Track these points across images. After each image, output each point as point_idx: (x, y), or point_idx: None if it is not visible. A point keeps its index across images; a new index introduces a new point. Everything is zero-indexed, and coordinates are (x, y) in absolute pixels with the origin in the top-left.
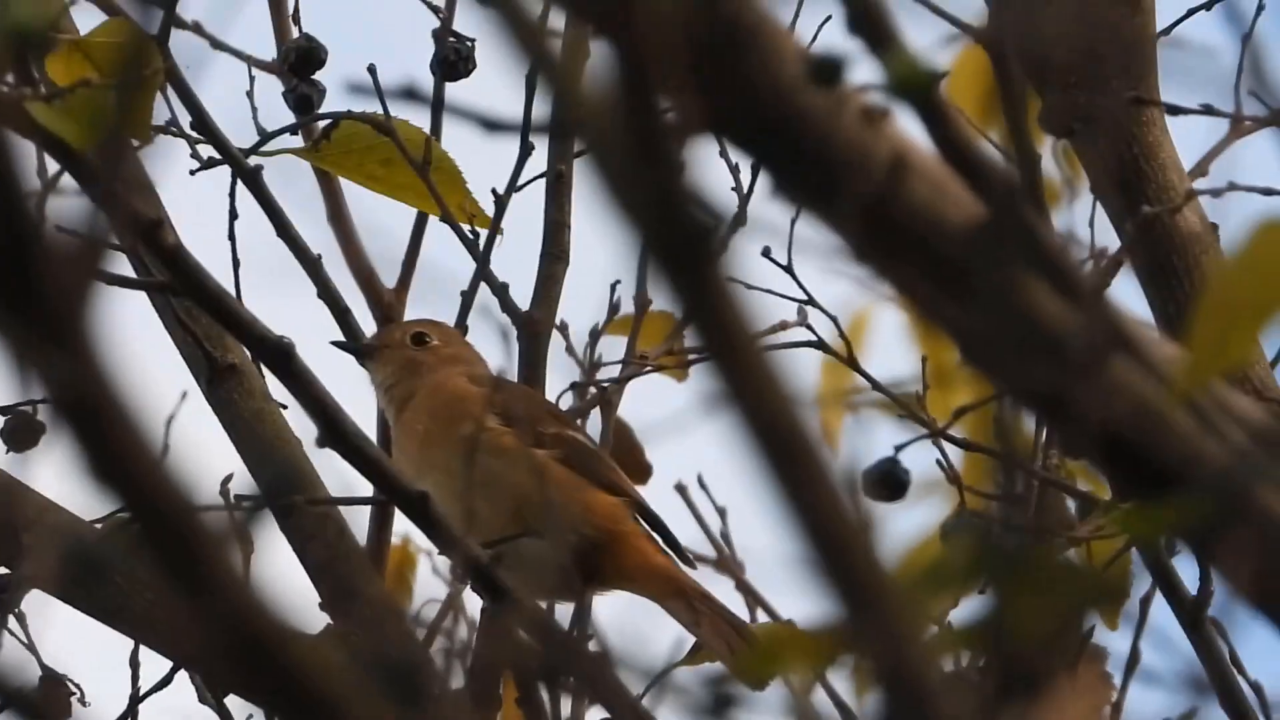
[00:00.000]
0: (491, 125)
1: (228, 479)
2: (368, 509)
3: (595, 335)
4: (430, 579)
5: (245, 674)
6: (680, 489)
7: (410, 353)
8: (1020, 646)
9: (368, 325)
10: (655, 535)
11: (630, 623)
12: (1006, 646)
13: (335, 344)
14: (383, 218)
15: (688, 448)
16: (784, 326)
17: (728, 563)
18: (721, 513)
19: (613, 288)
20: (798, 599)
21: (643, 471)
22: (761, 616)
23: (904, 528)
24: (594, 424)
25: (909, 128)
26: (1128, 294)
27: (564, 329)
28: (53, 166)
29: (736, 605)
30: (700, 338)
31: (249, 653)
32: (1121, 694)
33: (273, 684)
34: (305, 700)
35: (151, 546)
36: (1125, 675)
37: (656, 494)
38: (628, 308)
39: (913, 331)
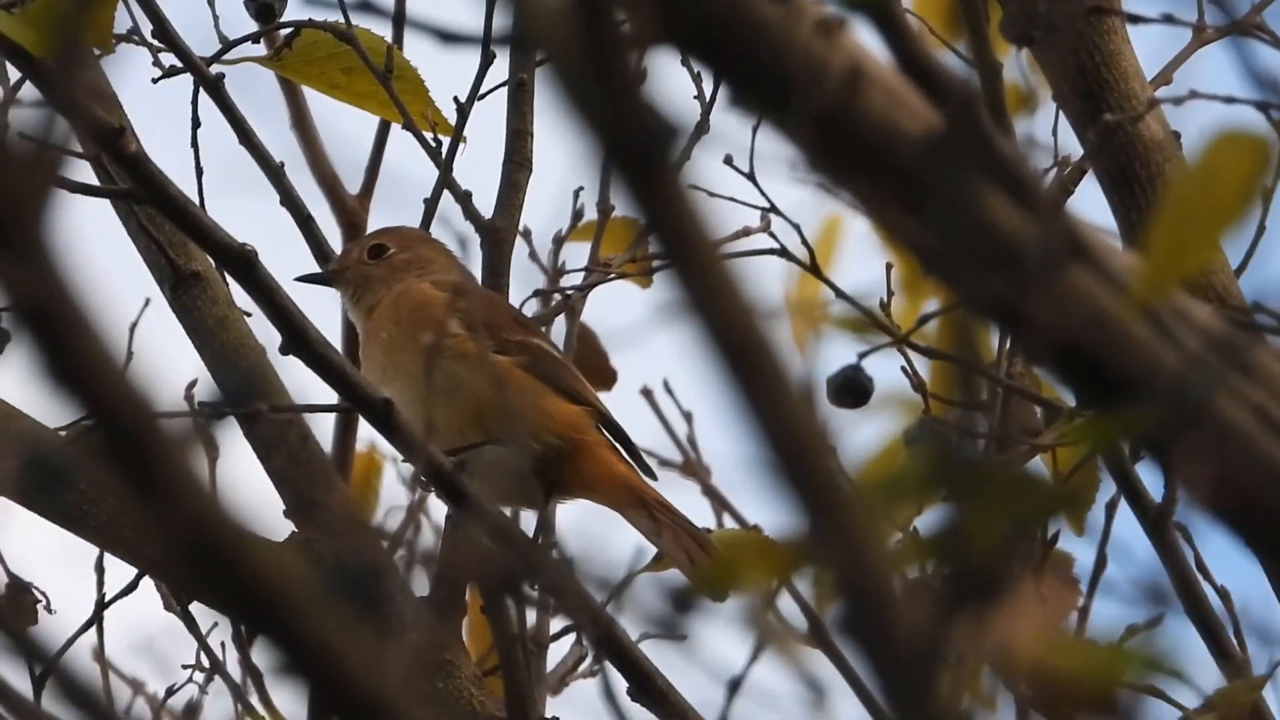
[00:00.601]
0: (449, 37)
1: (192, 385)
2: (332, 416)
3: (558, 242)
4: (396, 486)
5: (206, 581)
6: (646, 394)
7: (366, 268)
8: (979, 554)
9: (331, 232)
10: (617, 445)
11: (592, 531)
12: (965, 554)
13: (300, 279)
14: (346, 126)
15: (653, 353)
16: (746, 233)
17: (694, 467)
18: (688, 417)
19: (576, 195)
20: (764, 504)
21: (607, 377)
22: (728, 521)
23: (869, 436)
24: (558, 331)
25: (866, 38)
26: (1090, 202)
27: (527, 236)
28: (13, 75)
29: (702, 510)
30: (660, 245)
31: (209, 560)
32: (1087, 600)
33: (233, 591)
34: (265, 607)
35: (112, 452)
36: (1091, 582)
37: (622, 400)
38: (591, 215)
39: (881, 240)
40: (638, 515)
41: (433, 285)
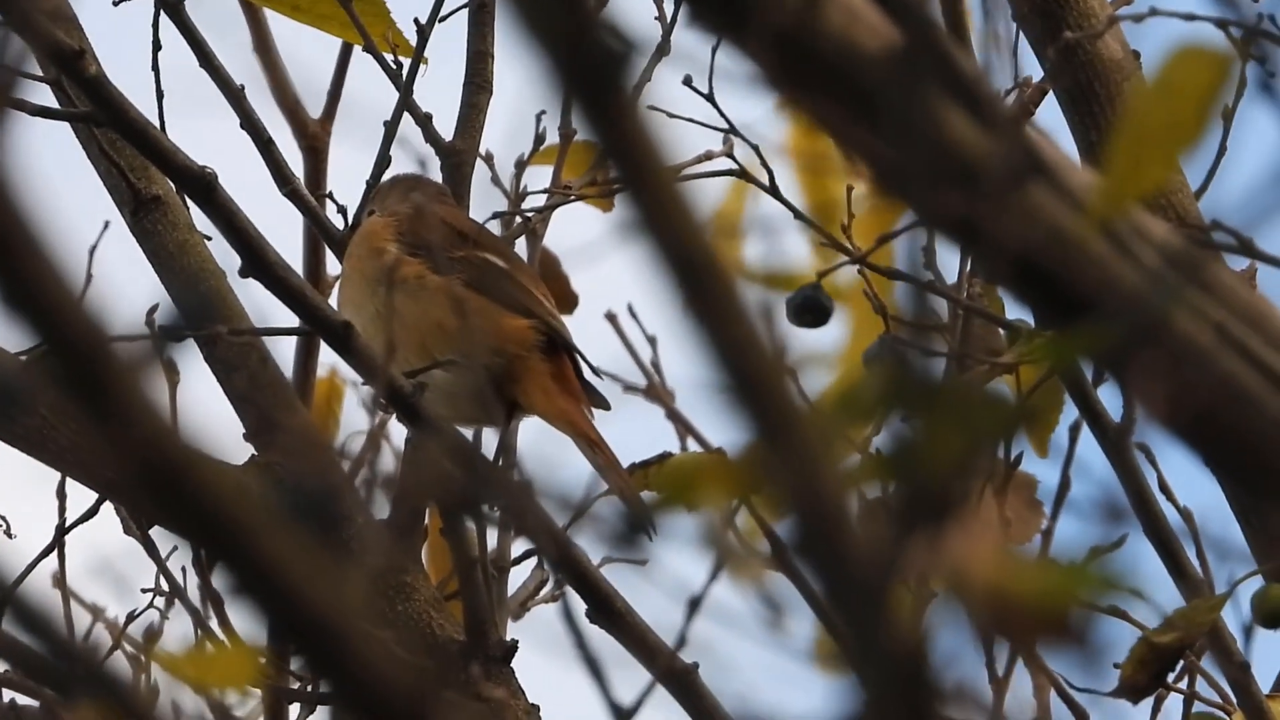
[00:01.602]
0: None
1: (153, 310)
2: (294, 340)
3: (520, 165)
4: (357, 412)
5: (161, 505)
6: (610, 318)
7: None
8: (935, 473)
9: (292, 156)
10: (567, 363)
11: (552, 451)
12: (922, 473)
13: None
14: (307, 50)
15: (618, 277)
16: (709, 157)
17: (657, 391)
18: (652, 341)
19: (538, 118)
20: (726, 427)
21: (569, 301)
22: (692, 445)
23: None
24: (520, 254)
25: None
26: (1050, 122)
27: (489, 159)
28: None
29: (667, 434)
30: (612, 166)
31: (162, 484)
32: (1051, 523)
33: (187, 515)
34: (219, 530)
35: (65, 378)
36: (1055, 504)
37: (585, 323)
38: (553, 138)
39: (840, 159)
40: (579, 442)
41: (380, 214)
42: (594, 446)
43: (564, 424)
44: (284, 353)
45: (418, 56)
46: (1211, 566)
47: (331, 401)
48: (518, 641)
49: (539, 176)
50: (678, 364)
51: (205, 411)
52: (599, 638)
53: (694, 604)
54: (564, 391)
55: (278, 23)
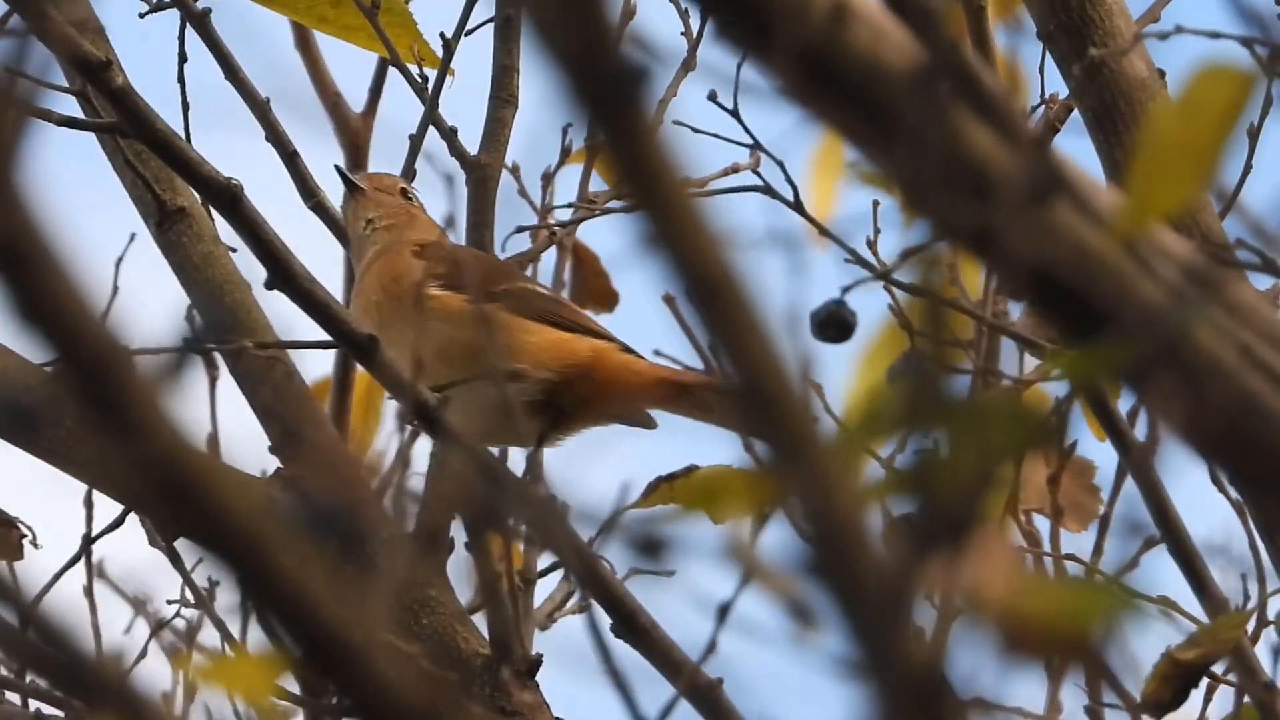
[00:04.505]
0: None
1: (177, 320)
2: (321, 353)
3: (547, 179)
4: (392, 425)
5: (180, 519)
6: (668, 300)
7: (401, 202)
8: (952, 491)
9: (318, 170)
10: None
11: (578, 467)
12: (938, 489)
13: (338, 168)
14: (347, 57)
15: (655, 278)
16: (734, 170)
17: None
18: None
19: (564, 131)
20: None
21: (609, 299)
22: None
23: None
24: (547, 265)
25: None
26: (1075, 141)
27: (515, 173)
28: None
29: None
30: (626, 181)
31: (180, 497)
32: (1108, 509)
33: (205, 529)
34: (236, 545)
35: (80, 392)
36: (1113, 489)
37: (629, 320)
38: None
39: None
40: (680, 405)
41: (413, 253)
42: (704, 388)
43: (657, 384)
44: (310, 366)
45: (444, 70)
46: (1235, 584)
47: (368, 416)
48: (542, 655)
49: (566, 189)
50: None
51: (231, 424)
52: (624, 653)
53: (723, 611)
54: (641, 359)
55: None
